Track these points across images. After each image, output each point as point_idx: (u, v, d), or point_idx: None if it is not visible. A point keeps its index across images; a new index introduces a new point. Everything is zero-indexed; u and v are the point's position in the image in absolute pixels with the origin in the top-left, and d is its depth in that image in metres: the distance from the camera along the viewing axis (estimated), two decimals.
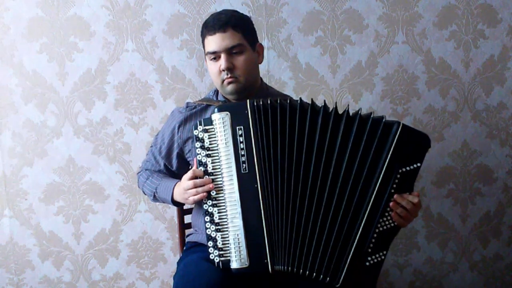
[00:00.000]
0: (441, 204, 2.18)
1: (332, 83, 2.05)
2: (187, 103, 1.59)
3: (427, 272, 2.23)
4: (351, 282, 1.33)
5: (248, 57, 1.47)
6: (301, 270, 1.33)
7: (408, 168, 1.32)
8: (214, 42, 1.44)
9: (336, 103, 1.36)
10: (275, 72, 2.03)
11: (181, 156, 1.59)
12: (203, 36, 1.49)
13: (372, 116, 1.32)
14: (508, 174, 2.19)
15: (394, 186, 1.32)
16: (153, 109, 2.02)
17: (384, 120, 1.32)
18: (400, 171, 1.31)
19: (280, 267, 1.33)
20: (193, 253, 1.49)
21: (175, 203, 1.52)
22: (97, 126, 2.02)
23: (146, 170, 1.66)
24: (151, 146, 1.68)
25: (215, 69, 1.46)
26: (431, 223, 2.19)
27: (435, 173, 2.15)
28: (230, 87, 1.46)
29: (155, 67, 2.00)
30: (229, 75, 1.44)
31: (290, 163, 1.32)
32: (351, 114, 1.34)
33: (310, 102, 1.34)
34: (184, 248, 1.65)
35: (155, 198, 1.59)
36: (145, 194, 1.65)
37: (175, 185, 1.50)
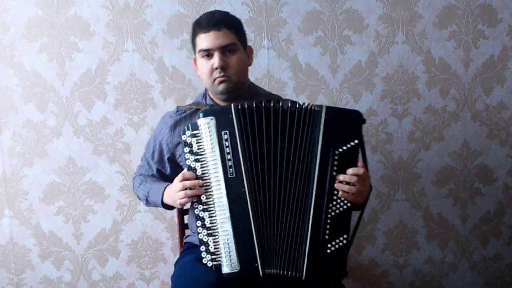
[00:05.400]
0: (441, 204, 2.18)
1: (332, 83, 2.05)
2: (177, 107, 1.59)
3: (427, 272, 2.23)
4: (317, 272, 1.32)
5: (241, 57, 1.46)
6: (289, 272, 1.32)
7: (344, 148, 1.32)
8: (208, 39, 1.42)
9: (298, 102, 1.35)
10: (275, 72, 2.03)
11: (172, 160, 1.59)
12: (195, 34, 1.47)
13: (300, 106, 1.33)
14: (508, 174, 2.19)
15: (335, 168, 1.31)
16: (153, 109, 2.02)
17: (304, 106, 1.32)
18: (337, 152, 1.31)
19: (271, 270, 1.33)
20: (190, 254, 1.50)
21: (165, 205, 1.52)
22: (97, 126, 2.02)
23: (140, 175, 1.66)
24: (144, 151, 1.68)
25: (207, 68, 1.45)
26: (431, 223, 2.19)
27: (435, 173, 2.15)
28: (221, 86, 1.45)
29: (155, 67, 2.00)
30: (221, 74, 1.43)
31: (275, 164, 1.32)
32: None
33: (303, 103, 1.34)
34: (182, 249, 1.65)
35: (147, 202, 1.60)
36: (140, 200, 1.65)
37: (165, 187, 1.50)
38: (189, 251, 1.54)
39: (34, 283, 2.11)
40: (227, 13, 1.49)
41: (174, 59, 1.99)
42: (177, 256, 1.62)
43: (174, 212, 1.83)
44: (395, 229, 2.18)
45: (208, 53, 1.44)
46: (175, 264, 1.55)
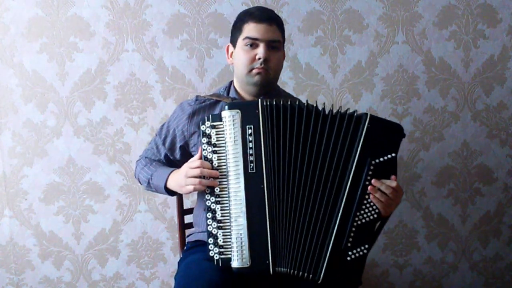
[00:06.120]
0: (441, 204, 2.18)
1: (332, 83, 2.06)
2: (197, 96, 1.58)
3: (427, 272, 2.23)
4: (334, 277, 1.32)
5: (281, 57, 1.52)
6: (301, 272, 1.32)
7: (381, 159, 1.32)
8: (258, 30, 1.45)
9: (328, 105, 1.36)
10: None
11: (184, 149, 1.58)
12: (244, 22, 1.48)
13: (339, 111, 1.33)
14: (508, 174, 2.19)
15: (369, 178, 1.31)
16: (153, 109, 2.02)
17: (348, 113, 1.32)
18: (373, 162, 1.31)
19: (281, 269, 1.33)
20: (194, 253, 1.49)
21: (167, 190, 1.51)
22: (97, 126, 2.02)
23: (145, 158, 1.64)
24: (155, 135, 1.66)
25: (248, 56, 1.46)
26: (431, 223, 2.19)
27: (435, 173, 2.15)
28: (257, 77, 1.46)
29: (155, 67, 2.00)
30: (262, 65, 1.45)
31: (296, 165, 1.32)
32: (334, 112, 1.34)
33: (313, 104, 1.35)
34: (185, 248, 1.65)
35: (148, 185, 1.58)
36: (140, 182, 1.63)
37: (171, 172, 1.49)
38: (193, 250, 1.53)
39: (34, 283, 2.11)
40: (277, 14, 1.56)
41: (174, 59, 1.99)
42: (177, 256, 1.62)
43: (174, 212, 1.83)
44: (395, 229, 2.18)
45: (252, 43, 1.46)
46: (179, 263, 1.54)
